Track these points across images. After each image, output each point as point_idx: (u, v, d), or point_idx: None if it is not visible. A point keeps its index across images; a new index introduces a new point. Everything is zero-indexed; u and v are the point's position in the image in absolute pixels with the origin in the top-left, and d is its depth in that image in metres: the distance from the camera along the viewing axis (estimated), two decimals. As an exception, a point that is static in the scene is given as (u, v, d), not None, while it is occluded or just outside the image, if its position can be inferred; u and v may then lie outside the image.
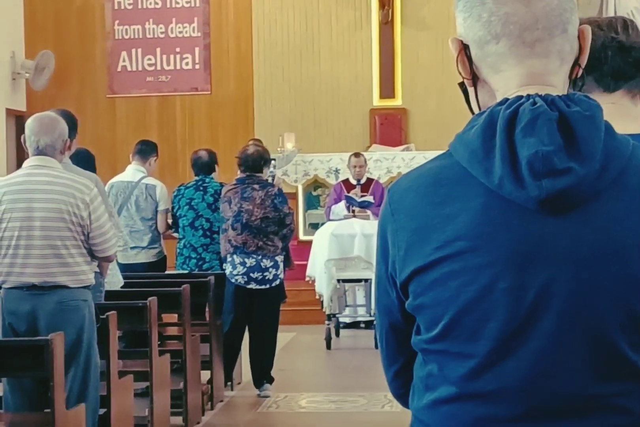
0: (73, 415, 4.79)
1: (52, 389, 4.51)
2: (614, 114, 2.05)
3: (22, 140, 5.45)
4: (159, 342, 6.39)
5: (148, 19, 14.05)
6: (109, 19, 14.11)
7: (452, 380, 1.64)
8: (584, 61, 1.71)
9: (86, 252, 5.28)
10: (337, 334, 10.41)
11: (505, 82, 1.67)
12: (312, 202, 12.81)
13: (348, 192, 10.76)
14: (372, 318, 9.93)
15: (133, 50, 14.08)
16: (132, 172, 8.79)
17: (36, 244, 5.18)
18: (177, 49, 14.03)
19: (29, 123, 5.37)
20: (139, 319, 6.01)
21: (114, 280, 6.75)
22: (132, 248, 8.61)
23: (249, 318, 7.92)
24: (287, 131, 12.81)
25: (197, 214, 8.56)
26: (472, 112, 1.73)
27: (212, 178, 8.73)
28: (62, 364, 4.60)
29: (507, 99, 1.63)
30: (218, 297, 7.70)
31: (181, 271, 8.47)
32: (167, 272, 8.76)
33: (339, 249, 10.02)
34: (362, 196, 10.66)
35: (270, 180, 8.99)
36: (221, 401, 7.75)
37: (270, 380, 7.95)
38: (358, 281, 10.26)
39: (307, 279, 10.41)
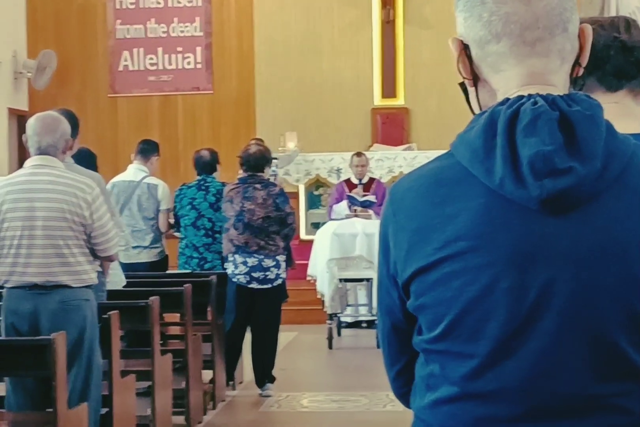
0: (75, 414, 4.79)
1: (54, 388, 4.52)
2: (616, 114, 2.06)
3: (23, 140, 5.44)
4: (160, 342, 6.40)
5: (150, 18, 14.06)
6: (110, 19, 14.12)
7: (453, 380, 1.64)
8: (584, 60, 1.70)
9: (88, 252, 5.28)
10: (339, 334, 10.41)
11: (506, 81, 1.67)
12: (313, 202, 12.81)
13: (350, 192, 10.76)
14: (374, 317, 9.94)
15: (135, 50, 14.08)
16: (134, 171, 8.79)
17: (38, 244, 5.17)
18: (179, 49, 14.03)
19: (31, 123, 5.37)
20: (141, 318, 6.01)
21: (117, 280, 6.76)
22: (134, 247, 8.61)
23: (251, 318, 7.91)
24: (289, 131, 12.81)
25: (199, 213, 8.55)
26: (473, 112, 1.72)
27: (213, 178, 8.72)
28: (64, 364, 4.61)
29: (508, 99, 1.63)
30: (220, 296, 7.70)
31: (183, 271, 8.47)
32: (169, 271, 8.76)
33: (341, 249, 10.02)
34: (363, 196, 10.67)
35: (272, 179, 8.98)
36: (223, 400, 7.75)
37: (272, 379, 7.95)
38: (360, 280, 10.27)
39: (308, 278, 10.41)
